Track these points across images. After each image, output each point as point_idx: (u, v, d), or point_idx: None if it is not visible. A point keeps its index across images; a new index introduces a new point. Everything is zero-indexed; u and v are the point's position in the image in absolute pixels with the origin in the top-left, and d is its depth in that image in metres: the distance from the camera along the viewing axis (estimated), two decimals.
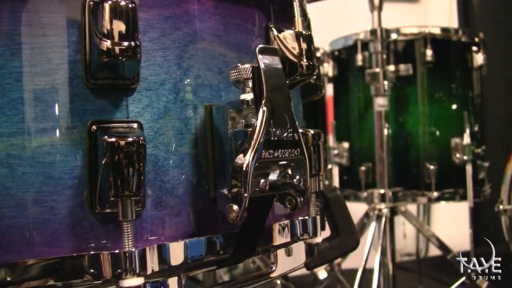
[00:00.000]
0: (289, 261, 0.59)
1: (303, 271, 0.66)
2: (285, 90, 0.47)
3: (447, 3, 2.85)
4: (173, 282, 0.46)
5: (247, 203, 0.43)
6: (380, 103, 1.56)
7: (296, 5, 0.54)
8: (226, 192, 0.46)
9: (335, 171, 1.72)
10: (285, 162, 0.46)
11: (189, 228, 0.47)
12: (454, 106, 1.64)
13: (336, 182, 1.70)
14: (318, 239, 0.58)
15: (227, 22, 0.52)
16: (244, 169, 0.43)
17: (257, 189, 0.45)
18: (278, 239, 0.55)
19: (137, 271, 0.42)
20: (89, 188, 0.43)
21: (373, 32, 1.59)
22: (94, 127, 0.43)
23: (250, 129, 0.45)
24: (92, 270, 0.43)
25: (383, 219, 1.60)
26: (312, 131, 0.52)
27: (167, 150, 0.47)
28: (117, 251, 0.42)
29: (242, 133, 0.46)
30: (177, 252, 0.46)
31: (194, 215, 0.48)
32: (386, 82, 1.55)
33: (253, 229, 0.48)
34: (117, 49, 0.41)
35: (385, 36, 1.60)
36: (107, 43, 0.41)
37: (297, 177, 0.47)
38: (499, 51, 2.30)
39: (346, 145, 1.71)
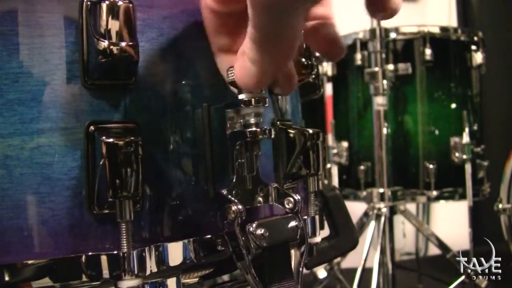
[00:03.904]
0: None
1: None
2: None
3: (446, 2, 2.85)
4: (172, 282, 0.46)
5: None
6: (379, 102, 1.56)
7: None
8: (225, 193, 0.46)
9: (334, 170, 1.72)
10: None
11: (188, 229, 0.47)
12: (453, 105, 1.64)
13: (335, 181, 1.71)
14: (317, 239, 0.58)
15: None
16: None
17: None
18: None
19: (136, 272, 0.42)
20: (87, 189, 0.43)
21: (372, 31, 1.59)
22: (91, 127, 0.43)
23: (249, 129, 0.46)
24: (90, 271, 0.42)
25: (383, 218, 1.60)
26: (311, 131, 0.52)
27: (165, 151, 0.47)
28: (115, 252, 0.42)
29: (241, 134, 0.46)
30: (175, 253, 0.46)
31: (192, 216, 0.48)
32: (385, 81, 1.56)
33: None
34: (114, 49, 0.41)
35: (384, 35, 1.60)
36: (104, 43, 0.40)
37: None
38: (498, 50, 2.30)
39: (345, 144, 1.71)
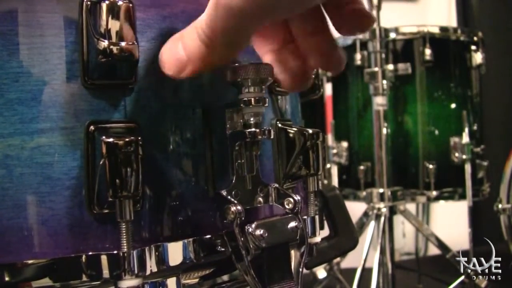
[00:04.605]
0: None
1: None
2: None
3: (446, 3, 2.85)
4: (172, 282, 0.46)
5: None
6: (379, 102, 1.56)
7: None
8: (224, 194, 0.46)
9: (334, 171, 1.72)
10: None
11: (188, 229, 0.47)
12: (453, 105, 1.64)
13: (335, 181, 1.71)
14: (317, 239, 0.58)
15: None
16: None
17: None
18: None
19: (136, 272, 0.42)
20: (87, 189, 0.43)
21: (372, 31, 1.59)
22: (92, 127, 0.43)
23: (249, 130, 0.46)
24: (90, 271, 0.42)
25: (382, 218, 1.60)
26: (310, 130, 0.52)
27: (165, 151, 0.47)
28: (115, 251, 0.42)
29: (241, 134, 0.46)
30: (175, 253, 0.46)
31: (192, 216, 0.48)
32: (385, 81, 1.56)
33: None
34: (114, 49, 0.41)
35: (384, 35, 1.60)
36: (104, 43, 0.40)
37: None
38: (498, 50, 2.30)
39: (345, 144, 1.71)
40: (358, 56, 1.58)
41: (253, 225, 0.46)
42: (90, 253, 0.43)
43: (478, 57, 1.63)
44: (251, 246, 0.45)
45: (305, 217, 0.55)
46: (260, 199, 0.49)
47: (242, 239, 0.45)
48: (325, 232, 0.67)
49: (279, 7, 0.35)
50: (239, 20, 0.36)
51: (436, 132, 1.60)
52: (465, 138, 1.50)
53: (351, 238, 0.69)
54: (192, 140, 0.48)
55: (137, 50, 0.42)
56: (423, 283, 1.88)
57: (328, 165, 1.68)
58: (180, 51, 0.39)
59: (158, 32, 0.47)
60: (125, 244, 0.41)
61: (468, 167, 1.47)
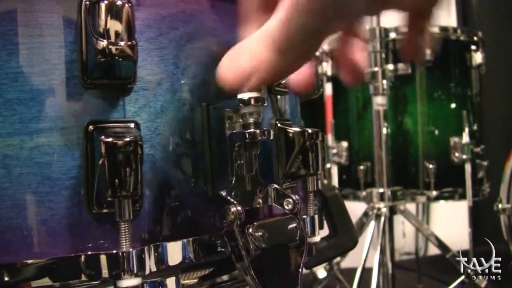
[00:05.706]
0: None
1: None
2: None
3: (446, 2, 2.85)
4: (171, 282, 0.46)
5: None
6: (379, 102, 1.56)
7: None
8: (224, 194, 0.46)
9: (334, 170, 1.72)
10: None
11: (187, 229, 0.47)
12: (453, 105, 1.64)
13: (335, 181, 1.71)
14: (317, 238, 0.58)
15: (225, 22, 0.52)
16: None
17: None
18: None
19: (135, 271, 0.42)
20: (86, 188, 0.43)
21: (371, 31, 1.59)
22: (91, 127, 0.43)
23: (248, 130, 0.46)
24: (89, 271, 0.42)
25: (382, 218, 1.60)
26: (310, 130, 0.52)
27: (164, 150, 0.47)
28: (114, 251, 0.42)
29: (240, 135, 0.46)
30: (174, 252, 0.46)
31: (192, 215, 0.48)
32: (384, 81, 1.55)
33: None
34: (113, 49, 0.41)
35: (384, 35, 1.60)
36: (103, 43, 0.40)
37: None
38: (498, 50, 2.30)
39: (345, 144, 1.71)
40: None
41: (253, 226, 0.46)
42: (89, 252, 0.43)
43: (478, 57, 1.63)
44: (251, 246, 0.45)
45: (305, 216, 0.55)
46: (260, 199, 0.49)
47: (242, 239, 0.45)
48: (325, 231, 0.67)
49: (356, 7, 0.33)
50: (319, 22, 0.33)
51: (436, 132, 1.60)
52: (465, 138, 1.50)
53: (350, 238, 0.69)
54: (191, 139, 0.48)
55: (136, 50, 0.42)
56: (423, 283, 1.88)
57: (328, 165, 1.68)
58: (245, 62, 0.37)
59: (158, 32, 0.47)
60: (124, 244, 0.41)
61: (468, 167, 1.47)
